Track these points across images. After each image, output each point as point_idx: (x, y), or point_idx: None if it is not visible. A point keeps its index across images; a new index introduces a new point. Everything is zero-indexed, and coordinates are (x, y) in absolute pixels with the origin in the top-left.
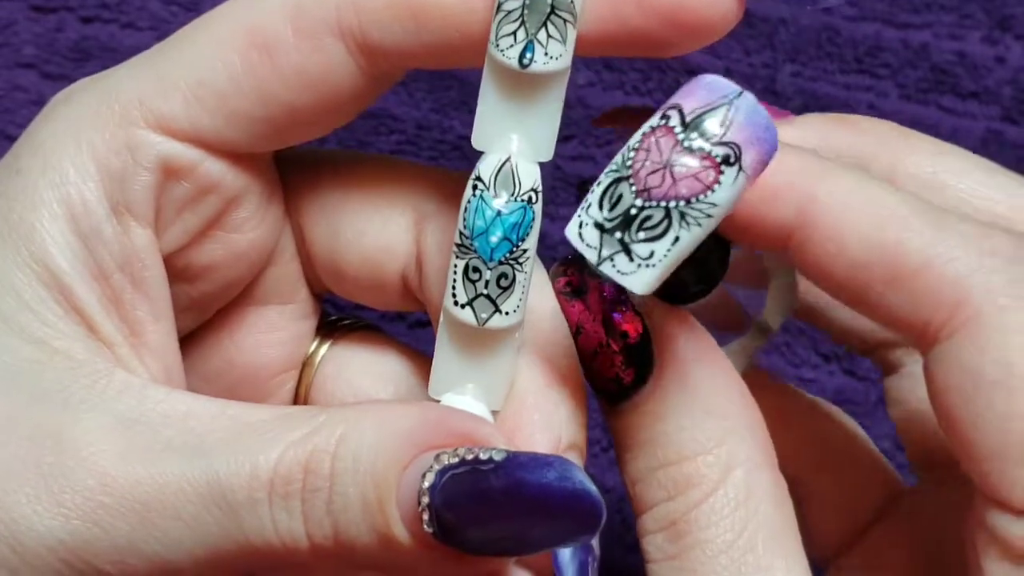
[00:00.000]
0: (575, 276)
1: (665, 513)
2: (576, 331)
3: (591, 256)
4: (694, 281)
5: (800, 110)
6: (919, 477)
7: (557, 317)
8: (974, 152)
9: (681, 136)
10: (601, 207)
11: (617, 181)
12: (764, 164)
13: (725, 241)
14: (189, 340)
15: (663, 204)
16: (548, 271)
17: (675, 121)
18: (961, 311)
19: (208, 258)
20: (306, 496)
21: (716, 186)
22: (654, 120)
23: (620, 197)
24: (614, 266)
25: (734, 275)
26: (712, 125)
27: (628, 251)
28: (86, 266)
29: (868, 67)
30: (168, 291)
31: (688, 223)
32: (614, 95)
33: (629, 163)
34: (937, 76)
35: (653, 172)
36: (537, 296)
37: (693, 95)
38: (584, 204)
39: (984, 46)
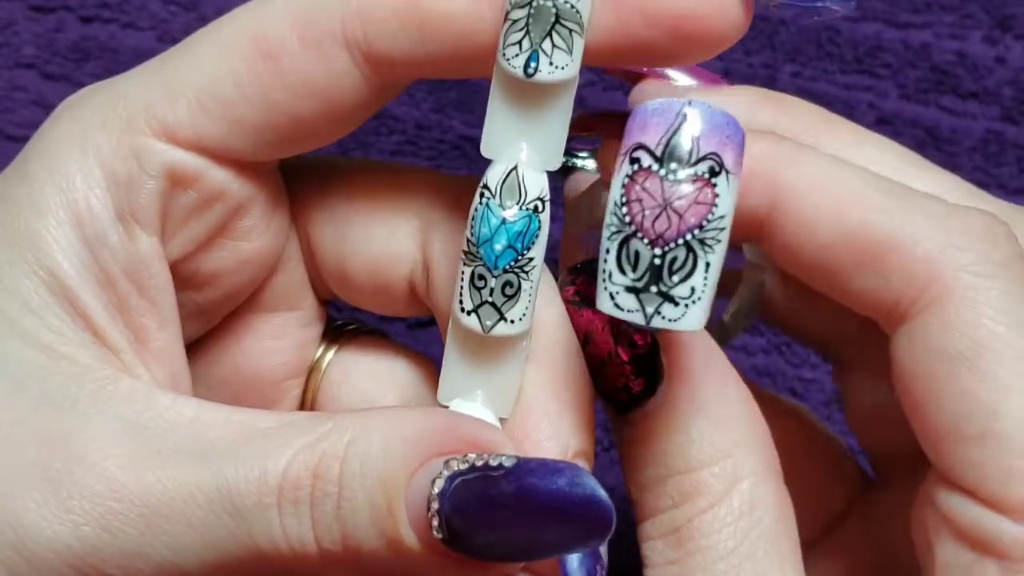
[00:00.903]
0: (583, 285)
1: (669, 520)
2: (585, 340)
3: (637, 319)
4: None
5: None
6: (876, 475)
7: (564, 324)
8: (974, 152)
9: (663, 172)
10: (623, 271)
11: (625, 241)
12: (742, 154)
13: None
14: (196, 347)
15: (681, 241)
16: (555, 276)
17: (648, 160)
18: (930, 289)
19: (214, 266)
20: (315, 501)
21: (717, 199)
22: (626, 168)
23: (637, 254)
24: (664, 318)
25: None
26: (684, 148)
27: (670, 298)
28: (92, 273)
29: (868, 67)
30: (174, 298)
31: (710, 245)
32: (614, 95)
33: (627, 218)
34: (937, 76)
35: (657, 218)
36: (544, 304)
37: (648, 127)
38: (603, 274)
39: (984, 46)
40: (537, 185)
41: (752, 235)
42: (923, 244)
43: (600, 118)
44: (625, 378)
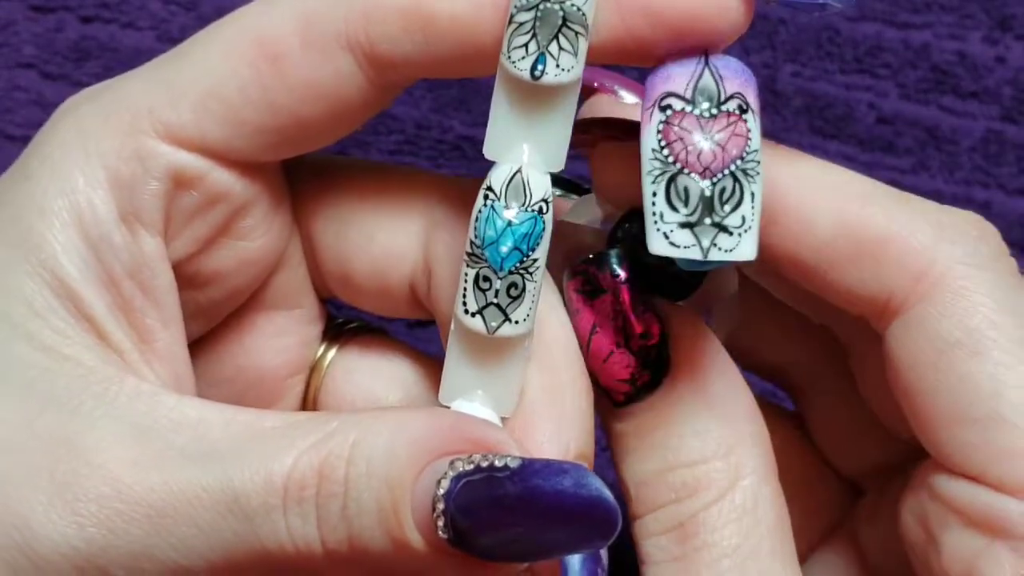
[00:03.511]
0: (591, 278)
1: (673, 515)
2: (591, 332)
3: (694, 254)
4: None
5: (800, 110)
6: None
7: (567, 325)
8: (974, 152)
9: (697, 111)
10: (675, 208)
11: (672, 179)
12: (758, 99)
13: None
14: (198, 346)
15: (727, 171)
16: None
17: (680, 104)
18: (924, 280)
19: (217, 265)
20: (320, 502)
21: (750, 132)
22: (658, 116)
23: (687, 189)
24: (720, 248)
25: None
26: (711, 89)
27: (724, 228)
28: (95, 274)
29: (868, 67)
30: (177, 298)
31: (751, 175)
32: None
33: (670, 158)
34: (937, 76)
35: (701, 152)
36: (547, 304)
37: (673, 77)
38: (653, 217)
39: (984, 46)
40: (541, 186)
41: None
42: (917, 236)
43: (592, 123)
44: (630, 369)
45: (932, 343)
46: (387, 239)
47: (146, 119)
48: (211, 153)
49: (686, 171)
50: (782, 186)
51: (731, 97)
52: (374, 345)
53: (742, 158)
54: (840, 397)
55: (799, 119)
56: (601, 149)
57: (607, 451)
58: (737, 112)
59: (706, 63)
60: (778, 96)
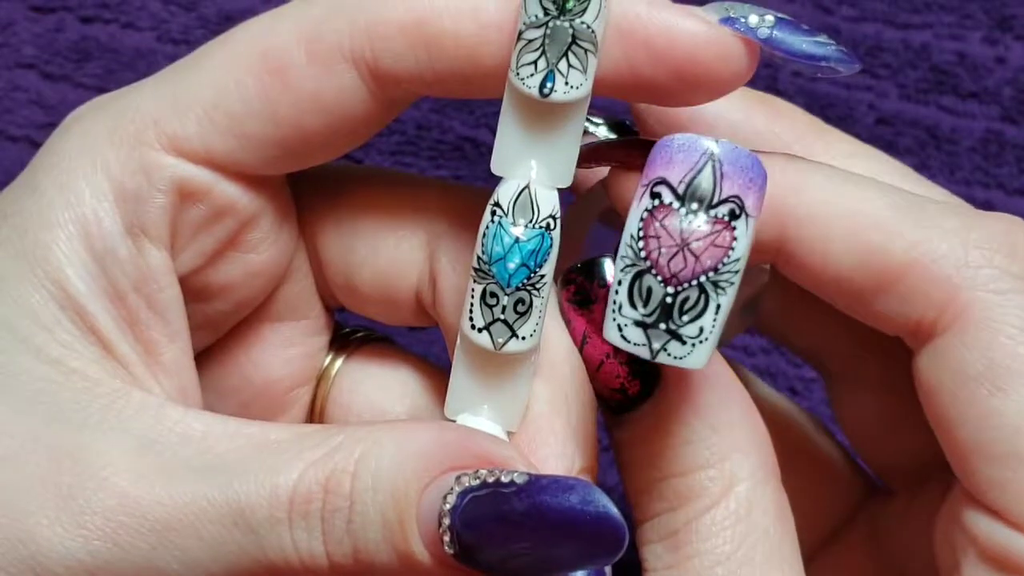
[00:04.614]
0: (583, 286)
1: (666, 523)
2: (582, 341)
3: (643, 353)
4: None
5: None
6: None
7: (571, 340)
8: (974, 152)
9: (683, 211)
10: (634, 305)
11: (639, 275)
12: (763, 197)
13: None
14: (205, 356)
15: (694, 283)
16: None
17: (669, 197)
18: (949, 310)
19: (223, 278)
20: (326, 515)
21: (734, 243)
22: (646, 202)
23: (650, 290)
24: (669, 355)
25: None
26: (706, 188)
27: (678, 337)
28: (101, 287)
29: (868, 67)
30: (184, 311)
31: (723, 287)
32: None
33: (642, 253)
34: (937, 76)
35: (673, 257)
36: (552, 319)
37: (673, 163)
38: (613, 305)
39: (984, 46)
40: (549, 203)
41: (767, 260)
42: (939, 263)
43: (611, 148)
44: (622, 379)
45: (956, 375)
46: (392, 251)
47: (152, 131)
48: (216, 165)
49: (653, 272)
50: (793, 221)
51: (725, 201)
52: (380, 355)
53: (716, 269)
54: (879, 390)
55: None
56: (616, 177)
57: (608, 452)
58: (726, 219)
59: (713, 154)
60: (779, 96)
